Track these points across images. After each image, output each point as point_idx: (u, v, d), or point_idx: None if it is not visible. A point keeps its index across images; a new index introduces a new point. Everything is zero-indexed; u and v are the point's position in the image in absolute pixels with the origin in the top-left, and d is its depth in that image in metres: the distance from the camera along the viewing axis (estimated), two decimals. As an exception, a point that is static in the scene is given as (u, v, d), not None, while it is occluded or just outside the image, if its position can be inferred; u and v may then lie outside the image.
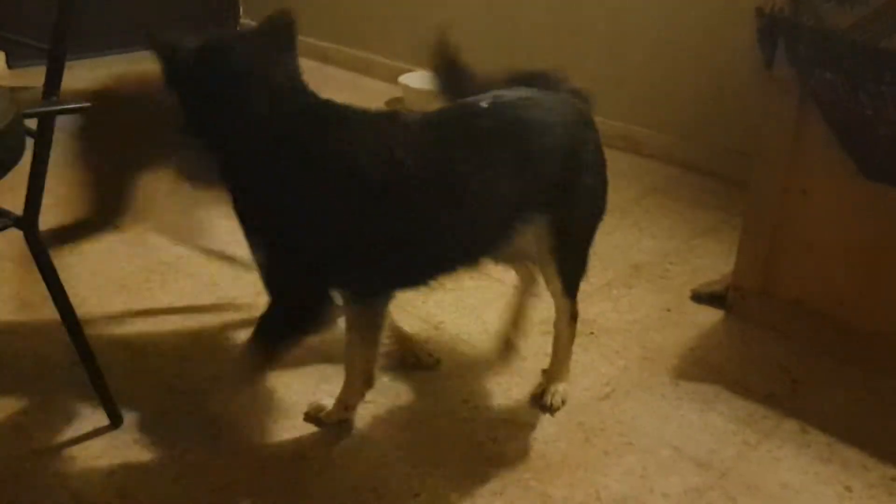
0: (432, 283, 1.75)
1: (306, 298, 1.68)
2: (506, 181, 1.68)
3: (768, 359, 2.16)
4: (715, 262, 2.59)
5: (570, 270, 1.89)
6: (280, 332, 1.72)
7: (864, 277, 2.09)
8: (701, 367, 2.13)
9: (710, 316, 2.35)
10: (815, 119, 2.04)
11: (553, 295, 1.92)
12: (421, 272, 1.74)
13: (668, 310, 2.38)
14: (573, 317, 1.96)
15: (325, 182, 1.58)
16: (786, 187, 2.15)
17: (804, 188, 2.12)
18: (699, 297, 2.42)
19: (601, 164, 1.84)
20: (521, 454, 1.81)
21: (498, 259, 1.92)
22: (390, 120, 1.69)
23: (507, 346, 2.15)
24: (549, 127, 1.73)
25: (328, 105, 1.64)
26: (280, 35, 1.63)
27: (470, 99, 1.75)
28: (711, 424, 1.92)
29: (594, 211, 1.87)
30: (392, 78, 4.04)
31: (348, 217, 1.59)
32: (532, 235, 1.79)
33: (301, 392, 1.96)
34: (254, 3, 5.08)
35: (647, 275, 2.56)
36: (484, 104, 1.69)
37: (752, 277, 2.28)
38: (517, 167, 1.69)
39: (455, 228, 1.67)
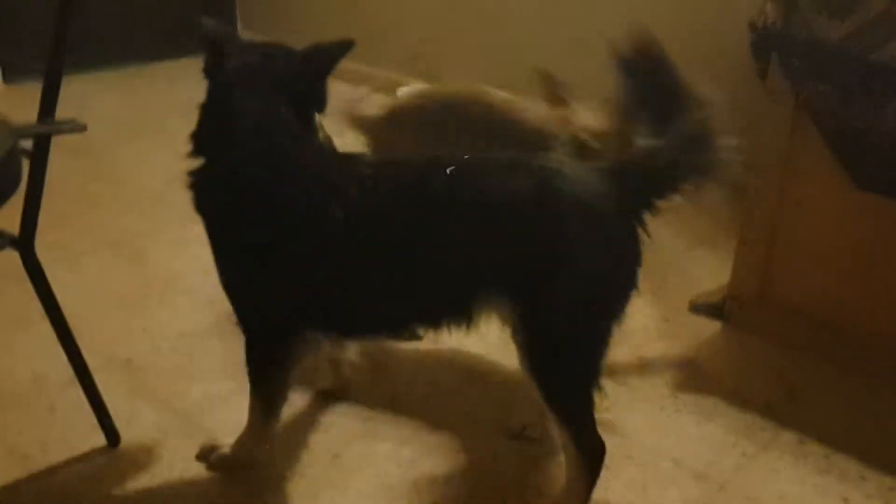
0: (383, 336, 1.78)
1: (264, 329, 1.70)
2: (443, 248, 1.55)
3: (766, 368, 2.17)
4: (712, 272, 2.59)
5: (553, 381, 1.56)
6: (259, 365, 1.72)
7: (859, 284, 2.10)
8: (699, 378, 2.13)
9: (708, 326, 2.35)
10: (809, 130, 2.05)
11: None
12: (360, 324, 1.71)
13: (667, 320, 2.38)
14: (579, 450, 1.60)
15: (268, 220, 1.58)
16: (781, 197, 2.16)
17: (799, 198, 2.13)
18: (697, 308, 2.42)
19: (592, 259, 1.53)
20: (522, 469, 1.81)
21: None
22: (345, 168, 1.61)
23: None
24: (503, 201, 1.51)
25: (301, 147, 1.59)
26: (317, 63, 1.61)
27: (437, 157, 1.61)
28: (710, 436, 1.92)
29: (580, 309, 1.53)
30: (391, 90, 4.04)
31: (284, 256, 1.58)
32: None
33: (298, 413, 1.96)
34: (252, 19, 5.10)
35: (645, 286, 2.54)
36: (448, 169, 1.55)
37: (749, 286, 2.28)
38: (455, 236, 1.54)
39: (392, 287, 1.59)
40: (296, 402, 1.98)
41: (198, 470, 1.77)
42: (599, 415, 1.64)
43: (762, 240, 2.22)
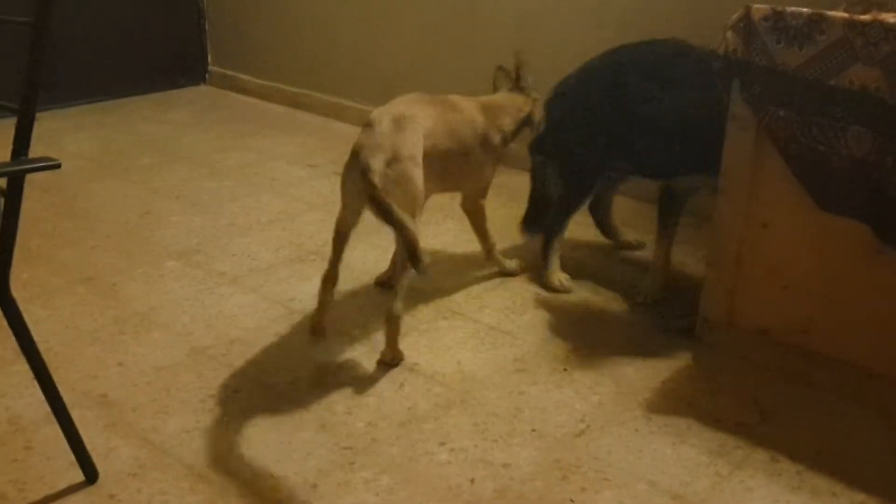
0: None
1: None
2: None
3: (737, 389, 2.20)
4: (683, 295, 2.64)
5: None
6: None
7: (825, 306, 2.14)
8: (672, 400, 2.16)
9: (679, 348, 2.38)
10: (772, 154, 2.10)
11: None
12: None
13: (639, 344, 2.41)
14: None
15: None
16: (747, 221, 2.20)
17: (765, 221, 2.18)
18: (668, 330, 2.46)
19: None
20: (500, 494, 1.82)
21: None
22: None
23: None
24: None
25: None
26: None
27: None
28: (684, 457, 1.94)
29: None
30: (363, 121, 4.08)
31: None
32: None
33: (275, 444, 1.97)
34: (222, 56, 5.13)
35: (618, 309, 2.60)
36: None
37: (718, 309, 2.32)
38: None
39: None
40: (271, 432, 2.00)
41: (176, 502, 1.78)
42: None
43: (730, 263, 2.26)
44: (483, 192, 2.67)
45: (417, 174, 2.20)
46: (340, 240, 2.33)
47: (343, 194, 2.29)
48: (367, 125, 2.26)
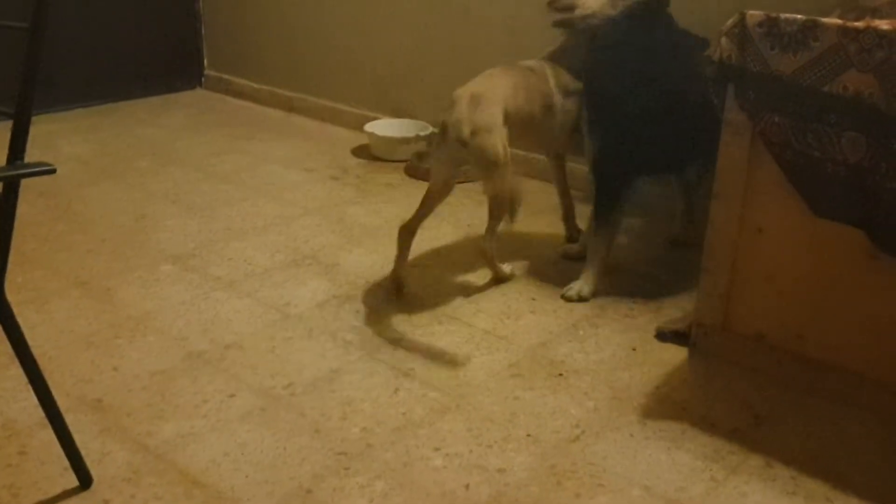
0: None
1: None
2: None
3: (733, 394, 2.21)
4: (678, 300, 2.64)
5: None
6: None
7: (820, 312, 2.15)
8: (667, 405, 2.16)
9: (674, 353, 2.39)
10: (766, 160, 2.10)
11: None
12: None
13: (634, 349, 2.41)
14: None
15: None
16: (742, 226, 2.21)
17: (760, 226, 2.18)
18: (663, 335, 2.46)
19: None
20: (494, 500, 1.82)
21: None
22: None
23: None
24: None
25: None
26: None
27: None
28: (679, 462, 1.95)
29: None
30: (358, 125, 4.09)
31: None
32: None
33: (270, 449, 1.97)
34: (218, 60, 5.13)
35: (613, 314, 2.60)
36: None
37: (713, 314, 2.32)
38: None
39: None
40: (266, 437, 1.99)
41: (171, 509, 1.77)
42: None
43: (725, 268, 2.27)
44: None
45: (494, 141, 2.50)
46: (429, 201, 2.66)
47: (435, 164, 2.66)
48: (451, 104, 2.57)
